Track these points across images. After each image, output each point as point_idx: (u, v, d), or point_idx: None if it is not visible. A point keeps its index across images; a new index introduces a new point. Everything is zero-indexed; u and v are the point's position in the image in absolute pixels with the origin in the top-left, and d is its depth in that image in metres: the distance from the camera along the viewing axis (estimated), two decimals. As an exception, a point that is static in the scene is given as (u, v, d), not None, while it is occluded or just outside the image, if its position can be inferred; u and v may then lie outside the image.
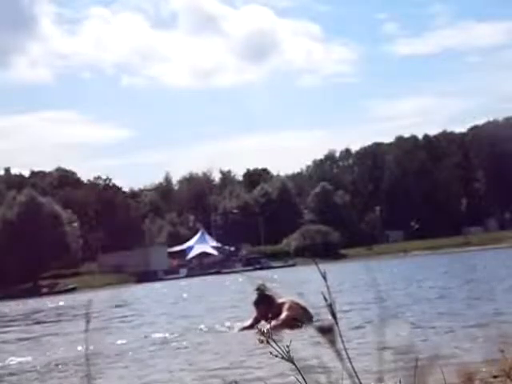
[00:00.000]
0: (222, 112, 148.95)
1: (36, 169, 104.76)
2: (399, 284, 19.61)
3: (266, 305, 9.93)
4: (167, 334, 10.47)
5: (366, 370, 4.59)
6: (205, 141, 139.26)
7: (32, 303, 38.27)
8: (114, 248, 77.94)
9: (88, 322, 2.83)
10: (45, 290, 65.11)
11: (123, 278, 68.92)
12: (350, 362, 1.99)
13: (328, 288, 1.97)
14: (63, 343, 10.79)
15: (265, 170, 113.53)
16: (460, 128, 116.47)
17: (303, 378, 2.09)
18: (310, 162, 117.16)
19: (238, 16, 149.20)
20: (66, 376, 7.57)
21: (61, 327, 15.88)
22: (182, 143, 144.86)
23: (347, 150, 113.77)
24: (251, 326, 9.68)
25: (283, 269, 62.98)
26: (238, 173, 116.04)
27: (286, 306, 9.89)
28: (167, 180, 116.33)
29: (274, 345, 1.99)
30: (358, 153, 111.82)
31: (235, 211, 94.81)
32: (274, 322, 9.14)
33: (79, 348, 9.33)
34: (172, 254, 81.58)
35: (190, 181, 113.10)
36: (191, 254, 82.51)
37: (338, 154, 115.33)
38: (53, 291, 62.55)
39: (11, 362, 9.14)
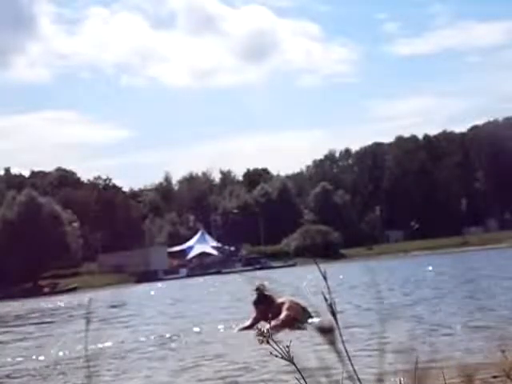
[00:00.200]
0: (222, 112, 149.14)
1: (36, 169, 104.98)
2: (398, 284, 19.61)
3: (265, 305, 9.92)
4: (167, 335, 10.47)
5: (366, 370, 4.59)
6: (205, 141, 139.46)
7: (33, 303, 38.27)
8: (114, 248, 77.99)
9: (88, 322, 2.83)
10: (46, 289, 65.16)
11: (123, 278, 68.93)
12: (351, 362, 1.99)
13: (328, 288, 1.97)
14: (62, 343, 10.79)
15: (265, 170, 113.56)
16: (460, 128, 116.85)
17: (303, 377, 2.09)
18: (310, 162, 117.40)
19: (237, 16, 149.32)
20: (64, 376, 7.57)
21: (60, 327, 15.89)
22: (182, 143, 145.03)
23: (347, 150, 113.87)
24: (251, 326, 9.68)
25: (283, 269, 62.97)
26: (238, 173, 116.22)
27: (285, 306, 9.88)
28: (167, 180, 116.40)
29: (273, 345, 1.99)
30: (357, 153, 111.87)
31: (235, 211, 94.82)
32: (273, 322, 9.14)
33: (77, 348, 9.33)
34: (172, 254, 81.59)
35: (189, 181, 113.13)
36: (191, 254, 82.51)
37: (337, 154, 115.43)
38: (54, 291, 62.62)
39: (11, 362, 9.14)
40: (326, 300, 1.98)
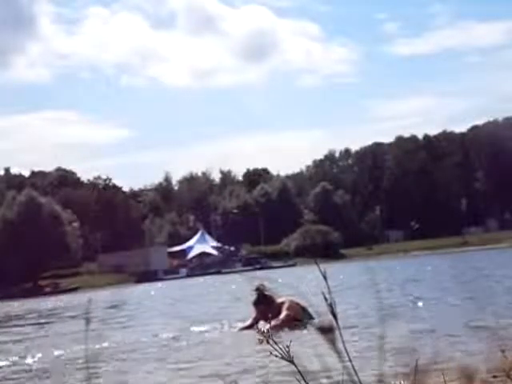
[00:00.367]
0: (222, 112, 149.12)
1: (36, 169, 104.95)
2: (397, 284, 19.60)
3: (265, 305, 9.92)
4: (167, 335, 10.47)
5: (366, 369, 4.59)
6: (205, 141, 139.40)
7: (33, 303, 38.27)
8: (114, 248, 78.00)
9: (88, 322, 2.82)
10: (48, 289, 65.20)
11: (123, 278, 68.94)
12: (351, 362, 1.99)
13: (328, 288, 1.96)
14: (61, 343, 10.78)
15: (265, 170, 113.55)
16: (460, 128, 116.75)
17: (303, 377, 2.08)
18: (310, 162, 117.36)
19: (237, 16, 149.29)
20: (63, 377, 7.56)
21: (58, 327, 15.88)
22: (182, 143, 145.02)
23: (347, 150, 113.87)
24: (251, 326, 9.68)
25: (283, 269, 62.96)
26: (238, 173, 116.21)
27: (285, 306, 9.88)
28: (167, 180, 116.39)
29: (273, 344, 1.99)
30: (357, 153, 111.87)
31: (235, 211, 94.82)
32: (273, 322, 9.14)
33: (76, 348, 9.33)
34: (172, 254, 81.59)
35: (190, 181, 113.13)
36: (191, 254, 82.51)
37: (337, 154, 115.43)
38: (55, 291, 62.69)
39: (9, 363, 9.14)
40: (326, 300, 1.97)
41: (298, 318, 9.58)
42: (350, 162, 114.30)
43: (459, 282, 17.68)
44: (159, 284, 53.27)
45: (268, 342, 2.00)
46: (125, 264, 73.45)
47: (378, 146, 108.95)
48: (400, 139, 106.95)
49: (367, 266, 38.58)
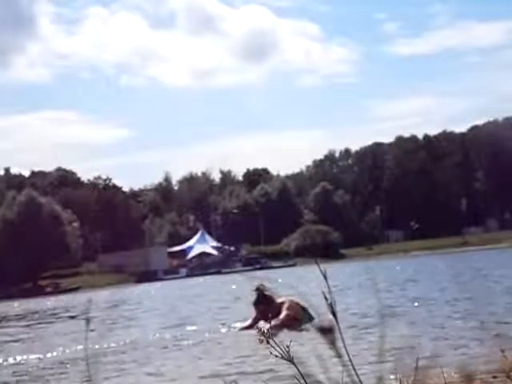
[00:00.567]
0: (222, 112, 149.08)
1: (36, 169, 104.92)
2: (397, 284, 19.61)
3: (265, 305, 9.93)
4: (166, 335, 10.47)
5: (367, 369, 4.59)
6: (205, 141, 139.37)
7: (34, 303, 38.26)
8: (114, 248, 77.98)
9: (88, 322, 2.83)
10: (49, 289, 65.23)
11: (123, 278, 68.94)
12: (351, 362, 1.99)
13: (329, 287, 1.96)
14: (61, 343, 10.78)
15: (265, 170, 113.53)
16: (460, 128, 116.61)
17: (303, 377, 2.09)
18: (310, 162, 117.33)
19: (237, 16, 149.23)
20: (61, 377, 7.57)
21: (56, 327, 15.88)
22: (182, 143, 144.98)
23: (347, 150, 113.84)
24: (251, 326, 9.69)
25: (283, 269, 62.97)
26: (238, 173, 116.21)
27: (285, 306, 9.89)
28: (167, 180, 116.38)
29: (273, 345, 1.99)
30: (357, 153, 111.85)
31: (235, 211, 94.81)
32: (273, 322, 9.14)
33: (74, 349, 9.33)
34: (172, 254, 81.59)
35: (190, 181, 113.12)
36: (191, 254, 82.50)
37: (337, 154, 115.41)
38: (57, 290, 62.73)
39: (8, 363, 9.14)
40: (326, 300, 1.98)
41: (298, 317, 9.59)
42: (350, 162, 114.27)
43: (459, 283, 17.67)
44: (159, 284, 53.29)
45: (268, 342, 2.00)
46: (125, 264, 73.44)
47: (378, 145, 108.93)
48: (400, 139, 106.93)
49: (367, 266, 38.58)
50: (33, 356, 9.46)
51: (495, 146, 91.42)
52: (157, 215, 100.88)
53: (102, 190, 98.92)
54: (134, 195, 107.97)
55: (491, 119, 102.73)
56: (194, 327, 11.05)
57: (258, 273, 49.83)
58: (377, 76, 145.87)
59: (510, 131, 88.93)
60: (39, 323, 18.50)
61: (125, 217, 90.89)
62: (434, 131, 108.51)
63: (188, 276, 69.49)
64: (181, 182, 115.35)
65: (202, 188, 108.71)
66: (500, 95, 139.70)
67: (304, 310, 9.63)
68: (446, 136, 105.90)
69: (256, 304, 10.11)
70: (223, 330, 10.28)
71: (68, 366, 8.23)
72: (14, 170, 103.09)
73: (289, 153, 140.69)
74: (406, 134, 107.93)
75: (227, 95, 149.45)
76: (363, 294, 14.68)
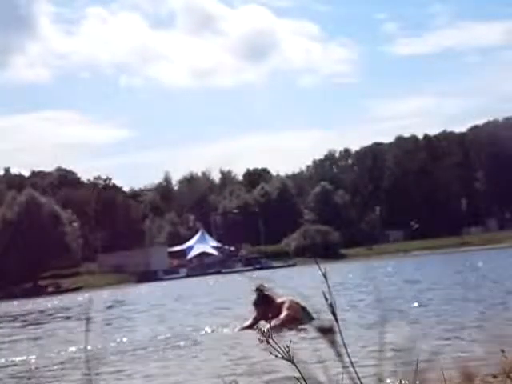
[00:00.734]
0: (222, 112, 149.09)
1: (36, 169, 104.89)
2: (397, 284, 19.62)
3: (265, 305, 9.93)
4: (166, 335, 10.46)
5: (366, 369, 4.58)
6: (205, 141, 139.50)
7: (33, 303, 38.25)
8: (114, 248, 77.96)
9: (88, 322, 2.83)
10: (51, 289, 65.24)
11: (123, 278, 68.93)
12: (351, 362, 1.99)
13: (329, 287, 1.96)
14: (57, 344, 10.78)
15: (265, 170, 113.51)
16: (460, 128, 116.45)
17: (303, 377, 2.09)
18: (310, 162, 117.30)
19: (236, 16, 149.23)
20: (58, 377, 7.56)
21: (54, 328, 15.87)
22: (182, 143, 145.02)
23: (347, 150, 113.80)
24: (251, 326, 9.69)
25: (283, 269, 62.98)
26: (238, 173, 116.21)
27: (285, 306, 9.89)
28: (167, 180, 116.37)
29: (274, 344, 1.99)
30: (357, 153, 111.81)
31: (235, 211, 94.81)
32: (274, 322, 9.14)
33: (72, 349, 9.33)
34: (172, 254, 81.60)
35: (189, 181, 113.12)
36: (191, 254, 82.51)
37: (337, 154, 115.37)
38: (58, 290, 62.78)
39: (5, 363, 9.14)
40: (326, 299, 1.98)
41: (298, 317, 9.59)
42: (349, 162, 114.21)
43: (458, 283, 17.67)
44: (159, 284, 53.28)
45: (268, 342, 2.00)
46: (125, 264, 73.43)
47: (377, 146, 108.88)
48: (400, 139, 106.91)
49: (367, 266, 38.59)
50: (32, 356, 9.46)
51: (495, 145, 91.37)
52: (157, 215, 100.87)
53: (102, 189, 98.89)
54: (134, 195, 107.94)
55: (491, 119, 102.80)
56: (194, 327, 11.04)
57: (258, 273, 49.83)
58: (377, 76, 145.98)
59: (510, 131, 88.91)
60: (32, 324, 18.46)
61: (125, 217, 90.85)
62: (434, 131, 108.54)
63: (188, 276, 69.49)
64: (181, 182, 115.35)
65: (202, 188, 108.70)
66: (500, 95, 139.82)
67: (304, 310, 9.64)
68: (445, 136, 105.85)
69: (256, 304, 10.12)
70: (223, 330, 10.28)
71: (67, 366, 8.23)
72: (13, 170, 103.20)
73: (289, 153, 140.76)
74: (406, 134, 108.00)
75: (227, 95, 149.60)
76: (362, 294, 14.68)
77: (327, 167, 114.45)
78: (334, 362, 2.09)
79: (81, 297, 39.52)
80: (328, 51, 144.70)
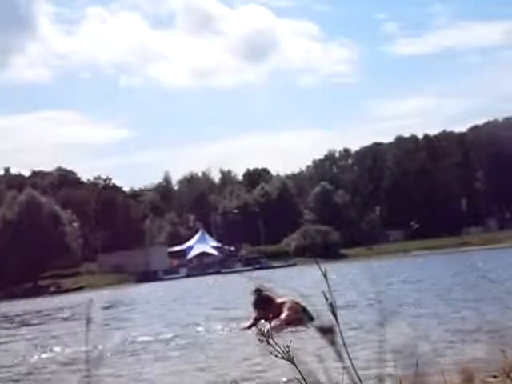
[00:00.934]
0: (222, 112, 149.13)
1: (36, 169, 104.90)
2: (397, 284, 19.62)
3: (265, 306, 9.93)
4: (166, 335, 10.46)
5: (366, 369, 4.59)
6: (205, 141, 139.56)
7: (32, 303, 38.25)
8: (114, 248, 77.98)
9: (88, 322, 2.82)
10: (52, 288, 65.26)
11: (123, 278, 68.95)
12: (351, 362, 1.99)
13: (329, 287, 1.96)
14: (61, 344, 10.78)
15: (265, 170, 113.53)
16: (460, 128, 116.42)
17: (303, 377, 2.08)
18: (310, 162, 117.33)
19: (236, 16, 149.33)
20: (58, 377, 7.56)
21: (53, 328, 15.87)
22: (182, 143, 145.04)
23: (346, 150, 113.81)
24: (251, 326, 9.69)
25: (283, 269, 62.98)
26: (238, 173, 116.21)
27: (286, 306, 9.88)
28: (167, 180, 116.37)
29: (274, 345, 1.99)
30: (357, 153, 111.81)
31: (235, 211, 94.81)
32: (274, 322, 9.14)
33: (72, 350, 9.32)
34: (172, 254, 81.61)
35: (189, 181, 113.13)
36: (191, 254, 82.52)
37: (337, 154, 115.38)
38: (59, 290, 62.81)
39: (4, 363, 9.13)
40: (326, 299, 1.97)
41: (299, 318, 9.58)
42: (349, 162, 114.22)
43: (458, 283, 17.67)
44: (159, 284, 53.28)
45: (268, 342, 2.00)
46: (125, 264, 73.44)
47: (377, 146, 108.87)
48: (400, 139, 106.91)
49: (367, 266, 38.58)
50: (32, 356, 9.45)
51: (495, 145, 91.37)
52: (157, 215, 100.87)
53: (102, 189, 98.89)
54: (134, 195, 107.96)
55: (491, 119, 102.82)
56: (194, 327, 11.04)
57: (258, 273, 49.84)
58: (377, 76, 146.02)
59: (510, 131, 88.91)
60: (31, 324, 18.45)
61: (125, 217, 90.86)
62: (434, 131, 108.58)
63: (188, 276, 69.51)
64: (181, 182, 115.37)
65: (202, 188, 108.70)
66: (500, 95, 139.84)
67: (304, 310, 9.63)
68: (445, 136, 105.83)
69: (255, 306, 10.11)
70: (223, 330, 10.27)
71: (66, 366, 8.23)
72: (13, 170, 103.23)
73: (289, 153, 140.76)
74: (406, 134, 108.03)
75: (227, 95, 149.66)
76: (362, 295, 14.67)
77: (327, 167, 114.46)
78: (334, 362, 2.09)
79: (81, 297, 39.52)
80: (328, 51, 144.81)
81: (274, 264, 73.55)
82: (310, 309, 9.46)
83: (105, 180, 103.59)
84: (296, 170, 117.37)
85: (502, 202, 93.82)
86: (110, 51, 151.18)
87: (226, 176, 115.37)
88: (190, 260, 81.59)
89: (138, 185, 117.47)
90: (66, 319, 19.30)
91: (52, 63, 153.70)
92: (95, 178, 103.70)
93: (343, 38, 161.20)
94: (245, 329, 9.91)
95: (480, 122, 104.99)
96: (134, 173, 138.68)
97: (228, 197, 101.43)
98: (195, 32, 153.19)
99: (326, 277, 1.98)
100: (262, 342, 2.02)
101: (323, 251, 73.39)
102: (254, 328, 9.51)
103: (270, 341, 2.00)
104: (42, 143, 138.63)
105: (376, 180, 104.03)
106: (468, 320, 8.89)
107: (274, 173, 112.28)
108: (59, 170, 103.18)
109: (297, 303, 9.87)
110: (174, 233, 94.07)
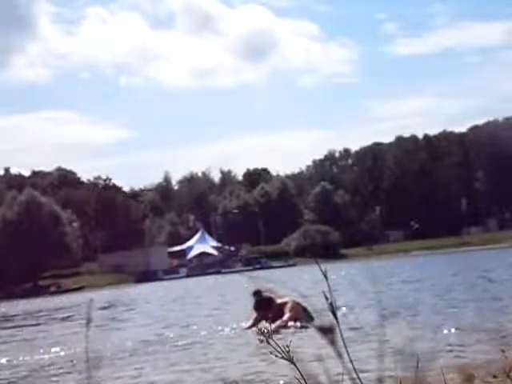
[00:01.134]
0: (222, 112, 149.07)
1: (36, 169, 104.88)
2: (397, 285, 19.62)
3: (265, 308, 9.93)
4: (166, 335, 10.46)
5: (366, 369, 4.59)
6: (205, 141, 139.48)
7: (34, 303, 38.24)
8: (114, 248, 77.95)
9: (88, 323, 2.82)
10: (53, 288, 65.26)
11: (123, 278, 68.95)
12: (351, 362, 1.99)
13: (329, 287, 1.96)
14: (61, 344, 10.77)
15: (265, 170, 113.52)
16: (460, 128, 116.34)
17: (303, 377, 2.09)
18: (310, 162, 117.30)
19: (236, 16, 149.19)
20: (56, 377, 7.56)
21: (53, 328, 15.87)
22: (182, 143, 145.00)
23: (346, 150, 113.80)
24: (252, 327, 9.69)
25: (283, 269, 62.97)
26: (238, 173, 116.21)
27: (288, 307, 9.88)
28: (167, 180, 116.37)
29: (274, 345, 1.99)
30: (357, 153, 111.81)
31: (235, 211, 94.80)
32: (274, 324, 9.13)
33: (71, 350, 9.32)
34: (172, 254, 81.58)
35: (189, 181, 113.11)
36: (191, 254, 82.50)
37: (337, 154, 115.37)
38: (59, 290, 62.81)
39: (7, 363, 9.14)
40: (326, 299, 1.98)
41: (300, 318, 9.59)
42: (349, 162, 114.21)
43: (458, 283, 17.67)
44: (159, 284, 53.26)
45: (268, 343, 2.00)
46: (125, 264, 73.44)
47: (377, 146, 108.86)
48: (400, 139, 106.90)
49: (367, 266, 38.57)
50: (32, 356, 9.45)
51: (495, 145, 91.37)
52: (157, 215, 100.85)
53: (102, 189, 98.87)
54: (134, 195, 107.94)
55: (491, 119, 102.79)
56: (194, 327, 11.04)
57: (258, 273, 49.83)
58: (377, 76, 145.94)
59: (510, 131, 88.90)
60: (30, 325, 18.44)
61: (125, 217, 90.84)
62: (434, 131, 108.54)
63: (188, 276, 69.50)
64: (181, 182, 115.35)
65: (202, 188, 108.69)
66: (500, 95, 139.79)
67: (305, 310, 9.64)
68: (445, 136, 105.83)
69: (256, 308, 10.11)
70: (224, 331, 10.28)
71: (66, 366, 8.22)
72: (13, 170, 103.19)
73: (289, 153, 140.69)
74: (406, 134, 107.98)
75: (227, 95, 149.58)
76: (362, 295, 14.67)
77: (327, 167, 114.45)
78: (335, 362, 2.09)
79: (81, 297, 39.51)
80: (328, 51, 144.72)
81: (274, 264, 73.54)
82: (310, 309, 9.47)
83: (105, 180, 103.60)
84: (296, 170, 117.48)
85: (502, 202, 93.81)
86: (109, 51, 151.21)
87: (226, 176, 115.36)
88: (190, 260, 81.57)
89: (138, 185, 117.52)
90: (65, 319, 19.30)
91: (52, 63, 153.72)
92: (95, 178, 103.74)
93: (343, 38, 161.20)
94: (245, 329, 9.91)
95: (480, 121, 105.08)
96: (134, 173, 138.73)
97: (228, 197, 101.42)
98: (195, 32, 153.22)
99: (326, 277, 1.98)
100: (262, 342, 2.02)
101: (323, 251, 73.37)
102: (254, 328, 9.51)
103: (270, 341, 2.00)
104: (41, 143, 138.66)
105: (376, 180, 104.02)
106: (468, 320, 8.89)
107: (274, 173, 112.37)
108: (59, 170, 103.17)
109: (298, 303, 9.87)
110: (174, 233, 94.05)
